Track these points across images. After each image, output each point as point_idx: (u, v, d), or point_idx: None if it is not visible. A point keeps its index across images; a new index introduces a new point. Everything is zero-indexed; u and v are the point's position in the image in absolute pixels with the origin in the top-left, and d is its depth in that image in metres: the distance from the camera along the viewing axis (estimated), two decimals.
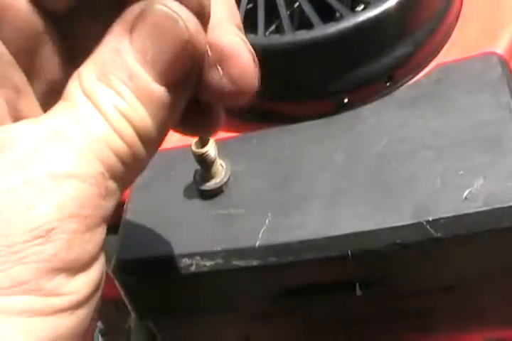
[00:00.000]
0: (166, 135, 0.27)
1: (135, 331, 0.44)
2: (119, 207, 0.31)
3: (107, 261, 0.27)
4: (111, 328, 0.68)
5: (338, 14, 0.39)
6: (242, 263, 0.33)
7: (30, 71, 0.28)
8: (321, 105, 0.39)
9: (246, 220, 0.35)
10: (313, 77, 0.39)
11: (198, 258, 0.34)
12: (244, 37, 0.27)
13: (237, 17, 0.27)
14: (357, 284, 0.34)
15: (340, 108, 0.39)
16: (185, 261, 0.34)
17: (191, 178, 0.37)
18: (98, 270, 0.25)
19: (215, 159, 0.36)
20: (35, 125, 0.24)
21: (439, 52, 0.41)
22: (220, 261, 0.34)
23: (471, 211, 0.31)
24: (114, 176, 0.24)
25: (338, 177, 0.35)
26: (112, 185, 0.25)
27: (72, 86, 0.25)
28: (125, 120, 0.24)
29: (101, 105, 0.24)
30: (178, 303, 0.37)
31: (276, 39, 0.38)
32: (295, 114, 0.39)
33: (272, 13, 0.41)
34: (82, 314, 0.24)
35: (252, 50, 0.27)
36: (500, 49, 0.39)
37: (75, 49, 0.28)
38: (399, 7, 0.38)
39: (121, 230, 0.36)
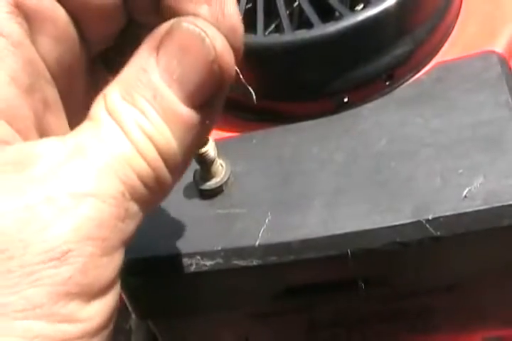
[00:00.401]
0: (191, 160, 0.26)
1: (135, 331, 0.44)
2: None
3: None
4: None
5: (337, 13, 0.39)
6: (242, 262, 0.33)
7: (63, 87, 0.27)
8: (321, 104, 0.39)
9: (246, 219, 0.35)
10: (313, 76, 0.39)
11: (198, 257, 0.34)
12: None
13: None
14: (359, 282, 0.34)
15: (340, 107, 0.39)
16: (186, 261, 0.34)
17: (191, 178, 0.37)
18: (114, 297, 0.24)
19: (214, 159, 0.36)
20: (59, 142, 0.23)
21: (438, 51, 0.41)
22: (220, 260, 0.34)
23: (470, 209, 0.31)
24: (136, 198, 0.24)
25: (338, 177, 0.35)
26: (133, 207, 0.24)
27: (97, 105, 0.24)
28: (148, 140, 0.24)
29: (124, 123, 0.23)
30: (179, 303, 0.37)
31: (276, 39, 0.38)
32: (295, 114, 0.39)
33: (271, 13, 0.41)
34: None
35: None
36: (499, 48, 0.39)
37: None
38: (398, 6, 0.38)
39: None
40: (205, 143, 0.35)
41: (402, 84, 0.39)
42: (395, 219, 0.32)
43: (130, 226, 0.24)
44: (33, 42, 0.25)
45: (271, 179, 0.36)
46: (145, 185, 0.24)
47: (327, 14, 0.39)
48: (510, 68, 0.38)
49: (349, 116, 0.38)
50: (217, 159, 0.36)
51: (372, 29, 0.38)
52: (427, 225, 0.32)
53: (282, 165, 0.37)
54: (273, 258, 0.33)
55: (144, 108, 0.24)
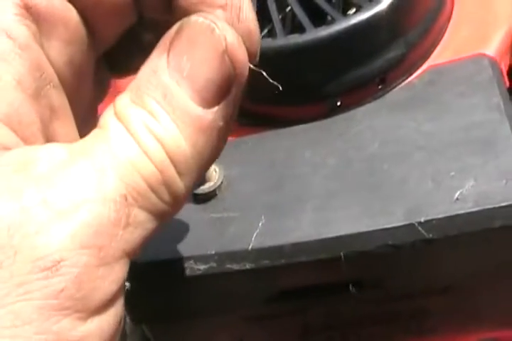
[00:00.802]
0: (207, 166, 0.24)
1: (130, 335, 0.44)
2: None
3: None
4: None
5: (329, 18, 0.40)
6: (235, 266, 0.33)
7: (71, 93, 0.26)
8: (314, 108, 0.39)
9: (239, 223, 0.35)
10: (306, 80, 0.39)
11: (191, 261, 0.34)
12: None
13: None
14: (352, 285, 0.34)
15: (333, 111, 0.39)
16: (179, 265, 0.34)
17: None
18: (115, 314, 0.22)
19: None
20: (63, 147, 0.22)
21: (430, 54, 0.41)
22: (213, 264, 0.34)
23: (462, 212, 0.32)
24: (142, 205, 0.22)
25: (331, 180, 0.35)
26: (139, 215, 0.22)
27: (107, 112, 0.23)
28: (156, 140, 0.22)
29: (131, 125, 0.22)
30: (173, 307, 0.37)
31: (269, 43, 0.38)
32: (288, 118, 0.39)
33: (263, 18, 0.41)
34: None
35: None
36: (490, 51, 0.39)
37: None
38: (390, 10, 0.38)
39: None
40: None
41: (394, 87, 0.39)
42: (388, 222, 0.32)
43: (134, 236, 0.22)
44: (42, 45, 0.24)
45: (264, 183, 0.36)
46: (153, 190, 0.22)
47: (319, 18, 0.39)
48: (501, 71, 0.38)
49: (342, 119, 0.38)
50: None
51: (364, 33, 0.38)
52: (420, 228, 0.32)
53: (275, 169, 0.37)
54: (266, 262, 0.33)
55: (153, 109, 0.22)
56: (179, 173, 0.23)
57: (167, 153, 0.22)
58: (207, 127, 0.23)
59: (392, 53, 0.39)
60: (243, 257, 0.34)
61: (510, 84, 0.39)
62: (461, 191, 0.32)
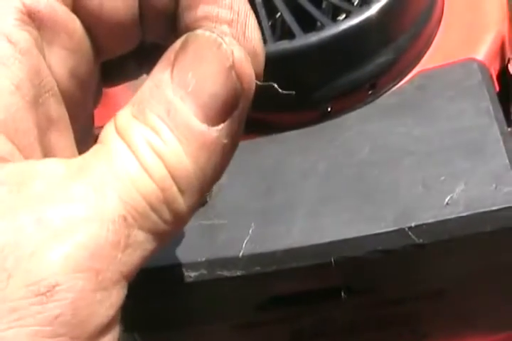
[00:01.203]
0: (210, 185, 0.23)
1: None
2: None
3: None
4: None
5: (319, 24, 0.40)
6: (226, 273, 0.33)
7: (72, 105, 0.25)
8: (305, 114, 0.39)
9: (230, 230, 0.35)
10: (297, 86, 0.39)
11: (182, 269, 0.34)
12: None
13: None
14: (344, 291, 0.34)
15: (323, 117, 0.39)
16: (170, 273, 0.34)
17: None
18: (112, 340, 0.21)
19: None
20: (61, 164, 0.21)
21: (421, 59, 0.41)
22: (204, 271, 0.34)
23: (453, 216, 0.32)
24: (142, 225, 0.21)
25: (321, 186, 0.35)
26: (139, 235, 0.21)
27: (107, 127, 0.22)
28: (157, 157, 0.21)
29: (132, 141, 0.21)
30: (164, 315, 0.37)
31: None
32: (278, 124, 0.39)
33: None
34: None
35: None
36: (480, 55, 0.39)
37: None
38: (380, 15, 0.38)
39: None
40: None
41: (384, 92, 0.39)
42: (378, 227, 0.32)
43: (133, 258, 0.21)
44: (44, 53, 0.24)
45: (254, 189, 0.36)
46: (153, 209, 0.21)
47: (309, 24, 0.39)
48: (491, 76, 0.38)
49: (332, 125, 0.38)
50: None
51: (354, 38, 0.38)
52: (410, 233, 0.32)
53: (266, 175, 0.37)
54: (257, 269, 0.33)
55: (155, 125, 0.21)
56: (181, 191, 0.22)
57: (169, 171, 0.21)
58: (211, 145, 0.22)
59: (383, 58, 0.39)
60: (234, 264, 0.33)
61: (499, 89, 0.39)
62: (452, 195, 0.32)
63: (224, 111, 0.22)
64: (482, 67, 0.38)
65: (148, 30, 0.26)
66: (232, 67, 0.22)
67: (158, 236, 0.22)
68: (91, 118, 0.28)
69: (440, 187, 0.33)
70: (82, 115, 0.27)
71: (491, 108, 0.35)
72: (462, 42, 0.41)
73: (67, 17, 0.24)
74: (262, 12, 0.40)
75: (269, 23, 0.40)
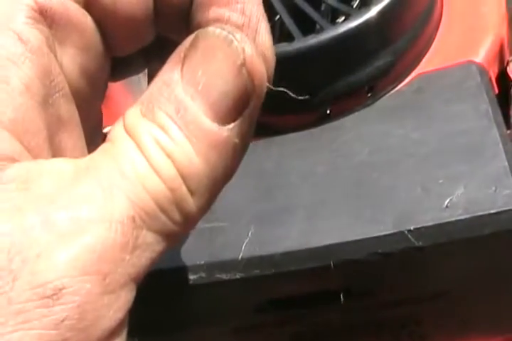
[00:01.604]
0: (220, 186, 0.23)
1: None
2: None
3: None
4: None
5: (318, 26, 0.40)
6: (225, 276, 0.33)
7: (83, 105, 0.25)
8: (304, 117, 0.39)
9: (229, 233, 0.35)
10: (296, 89, 0.39)
11: (181, 272, 0.34)
12: None
13: None
14: (342, 294, 0.34)
15: (322, 119, 0.39)
16: (169, 276, 0.34)
17: None
18: None
19: None
20: (69, 164, 0.21)
21: (419, 61, 0.41)
22: (203, 274, 0.34)
23: (452, 219, 0.32)
24: (151, 226, 0.21)
25: (320, 189, 0.35)
26: (148, 236, 0.21)
27: (116, 126, 0.22)
28: (166, 157, 0.21)
29: (141, 141, 0.21)
30: (163, 318, 0.37)
31: None
32: (278, 127, 0.39)
33: None
34: None
35: None
36: (479, 58, 0.39)
37: None
38: (380, 18, 0.38)
39: None
40: None
41: (383, 95, 0.39)
42: (377, 230, 0.32)
43: (141, 260, 0.20)
44: (55, 51, 0.23)
45: (253, 192, 0.36)
46: (162, 209, 0.21)
47: (308, 27, 0.39)
48: (489, 78, 0.38)
49: (331, 128, 0.38)
50: None
51: (353, 41, 0.38)
52: (409, 235, 0.32)
53: (264, 178, 0.37)
54: (256, 271, 0.33)
55: (164, 123, 0.21)
56: (190, 191, 0.21)
57: (178, 171, 0.21)
58: (221, 144, 0.22)
59: (382, 61, 0.39)
60: (233, 267, 0.33)
61: (498, 91, 0.39)
62: (451, 198, 0.32)
63: (235, 109, 0.22)
64: (481, 69, 0.38)
65: (162, 27, 0.26)
66: (243, 64, 0.21)
67: (168, 237, 0.21)
68: (100, 117, 0.28)
69: (439, 190, 0.33)
70: (91, 113, 0.26)
71: (490, 110, 0.35)
72: (461, 45, 0.41)
73: (79, 14, 0.24)
74: None
75: (268, 26, 0.40)
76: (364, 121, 0.38)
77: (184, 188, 0.21)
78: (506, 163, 0.33)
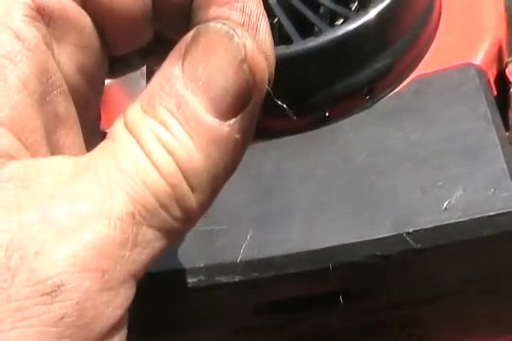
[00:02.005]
0: (222, 183, 0.23)
1: None
2: None
3: None
4: None
5: (316, 29, 0.40)
6: (224, 279, 0.33)
7: (81, 103, 0.25)
8: (303, 120, 0.39)
9: (228, 236, 0.35)
10: (295, 91, 0.39)
11: (180, 275, 0.34)
12: None
13: None
14: (341, 296, 0.34)
15: (321, 122, 0.39)
16: (168, 279, 0.34)
17: None
18: None
19: None
20: (69, 161, 0.21)
21: (418, 63, 0.41)
22: (202, 277, 0.34)
23: (451, 221, 0.32)
24: (151, 222, 0.20)
25: (318, 191, 0.35)
26: (148, 233, 0.20)
27: (116, 123, 0.22)
28: (167, 152, 0.21)
29: (141, 137, 0.21)
30: (162, 321, 0.37)
31: None
32: (276, 129, 0.39)
33: None
34: None
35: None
36: (477, 60, 0.39)
37: None
38: (378, 20, 0.38)
39: None
40: None
41: (382, 97, 0.39)
42: (376, 232, 0.32)
43: (141, 257, 0.20)
44: (53, 50, 0.23)
45: (252, 195, 0.36)
46: (162, 206, 0.21)
47: (307, 29, 0.39)
48: (488, 80, 0.38)
49: (330, 130, 0.38)
50: None
51: (352, 44, 0.38)
52: (408, 238, 0.32)
53: (263, 180, 0.37)
54: (255, 274, 0.33)
55: (165, 119, 0.21)
56: (191, 188, 0.21)
57: (179, 167, 0.21)
58: (223, 140, 0.22)
59: (380, 63, 0.39)
60: (232, 269, 0.33)
61: (497, 93, 0.39)
62: (450, 201, 0.32)
63: (236, 105, 0.22)
64: (480, 71, 0.38)
65: (161, 26, 0.26)
66: (244, 60, 0.21)
67: (168, 234, 0.21)
68: (98, 114, 0.28)
69: (438, 192, 0.33)
70: (89, 110, 0.26)
71: (488, 112, 0.35)
72: (459, 47, 0.41)
73: (77, 12, 0.24)
74: None
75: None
76: (363, 124, 0.38)
77: (185, 184, 0.21)
78: (505, 165, 0.33)
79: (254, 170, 0.37)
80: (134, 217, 0.20)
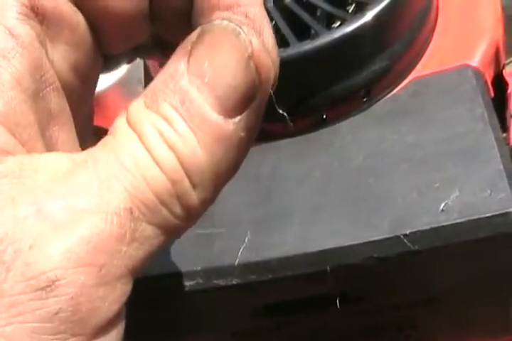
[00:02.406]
0: (224, 181, 0.23)
1: None
2: None
3: None
4: None
5: (313, 31, 0.40)
6: (222, 282, 0.33)
7: (74, 100, 0.25)
8: (300, 122, 0.39)
9: (225, 239, 0.35)
10: (292, 94, 0.39)
11: (177, 278, 0.34)
12: None
13: None
14: (338, 298, 0.34)
15: (318, 124, 0.39)
16: (166, 282, 0.34)
17: None
18: (116, 337, 0.20)
19: None
20: (65, 157, 0.21)
21: (415, 65, 0.41)
22: (200, 280, 0.34)
23: (447, 223, 0.32)
24: (150, 218, 0.20)
25: (316, 194, 0.35)
26: (147, 229, 0.20)
27: (119, 118, 0.22)
28: (168, 148, 0.20)
29: (143, 132, 0.21)
30: (160, 324, 0.37)
31: None
32: (274, 132, 0.39)
33: None
34: None
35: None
36: (474, 61, 0.39)
37: None
38: (375, 22, 0.38)
39: None
40: None
41: (379, 99, 0.40)
42: (373, 234, 0.32)
43: (139, 252, 0.20)
44: (46, 48, 0.23)
45: (250, 198, 0.36)
46: (163, 203, 0.20)
47: (303, 32, 0.39)
48: (485, 81, 0.38)
49: (327, 133, 0.38)
50: None
51: (349, 46, 0.38)
52: (405, 240, 0.32)
53: (261, 183, 0.37)
54: (253, 277, 0.33)
55: (168, 115, 0.21)
56: (193, 185, 0.21)
57: (181, 163, 0.21)
58: (227, 137, 0.21)
59: (377, 66, 0.39)
60: (229, 273, 0.33)
61: (494, 95, 0.39)
62: (446, 202, 0.32)
63: (241, 102, 0.21)
64: (477, 73, 0.38)
65: (161, 29, 0.26)
66: (251, 57, 0.21)
67: (168, 231, 0.21)
68: (91, 112, 0.28)
69: (435, 194, 0.33)
70: (82, 108, 0.26)
71: (485, 114, 0.35)
72: (457, 49, 0.41)
73: (70, 12, 0.24)
74: None
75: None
76: (360, 126, 0.38)
77: (186, 181, 0.21)
78: (502, 167, 0.33)
79: (252, 172, 0.37)
80: (131, 213, 0.20)
